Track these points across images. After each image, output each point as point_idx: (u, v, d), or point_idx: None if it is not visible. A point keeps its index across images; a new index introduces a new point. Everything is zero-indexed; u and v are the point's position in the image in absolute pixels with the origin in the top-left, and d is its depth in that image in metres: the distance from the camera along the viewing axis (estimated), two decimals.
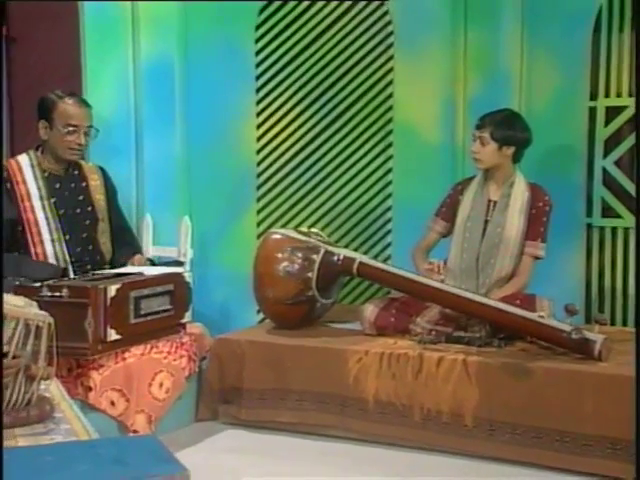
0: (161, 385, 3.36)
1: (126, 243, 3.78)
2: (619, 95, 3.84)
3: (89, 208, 3.61)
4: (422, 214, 3.83)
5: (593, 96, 3.86)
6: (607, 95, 3.85)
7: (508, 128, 3.57)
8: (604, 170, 3.86)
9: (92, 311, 3.07)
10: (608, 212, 3.87)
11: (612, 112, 3.83)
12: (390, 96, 4.16)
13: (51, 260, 3.48)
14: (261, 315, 4.11)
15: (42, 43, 4.31)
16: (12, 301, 2.42)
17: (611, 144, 3.85)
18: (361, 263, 3.64)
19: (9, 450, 1.73)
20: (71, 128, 3.49)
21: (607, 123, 3.84)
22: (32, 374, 2.22)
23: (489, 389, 3.20)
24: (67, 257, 3.50)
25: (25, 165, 3.52)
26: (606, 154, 3.85)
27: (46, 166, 3.56)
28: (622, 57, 3.81)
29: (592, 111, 3.87)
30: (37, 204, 3.49)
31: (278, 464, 3.20)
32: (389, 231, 4.23)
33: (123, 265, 3.59)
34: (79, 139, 3.51)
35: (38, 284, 3.21)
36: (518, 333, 3.42)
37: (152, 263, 3.76)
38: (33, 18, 4.33)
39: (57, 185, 3.56)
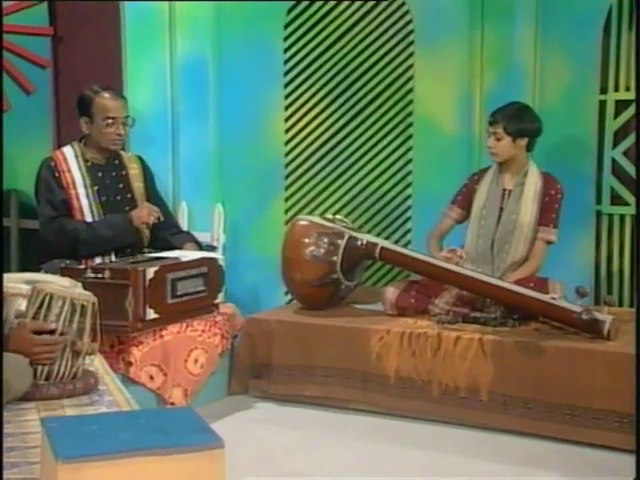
0: (196, 361, 3.37)
1: (173, 226, 3.79)
2: (628, 89, 3.77)
3: (129, 195, 3.62)
4: (440, 202, 3.81)
5: (603, 90, 3.81)
6: (617, 89, 3.79)
7: (520, 121, 3.54)
8: (613, 160, 3.81)
9: (132, 292, 3.08)
10: (617, 200, 3.83)
11: (621, 105, 3.78)
12: (410, 91, 4.13)
13: None
14: (289, 296, 4.11)
15: (86, 42, 4.31)
16: (59, 282, 2.45)
17: (620, 135, 3.79)
18: (383, 248, 3.62)
19: (58, 419, 1.75)
20: (110, 120, 3.49)
21: (616, 116, 3.79)
22: (78, 349, 2.24)
23: (503, 366, 3.18)
24: None
25: (69, 156, 3.54)
26: (615, 145, 3.80)
27: (89, 156, 3.57)
28: (631, 53, 3.74)
29: (602, 104, 3.81)
30: (81, 192, 3.51)
31: (304, 435, 3.20)
32: (409, 218, 4.20)
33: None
34: (118, 130, 3.51)
35: (82, 266, 3.23)
36: (531, 314, 3.39)
37: (200, 248, 3.76)
38: (78, 19, 4.34)
39: (99, 174, 3.57)
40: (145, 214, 3.51)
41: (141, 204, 3.57)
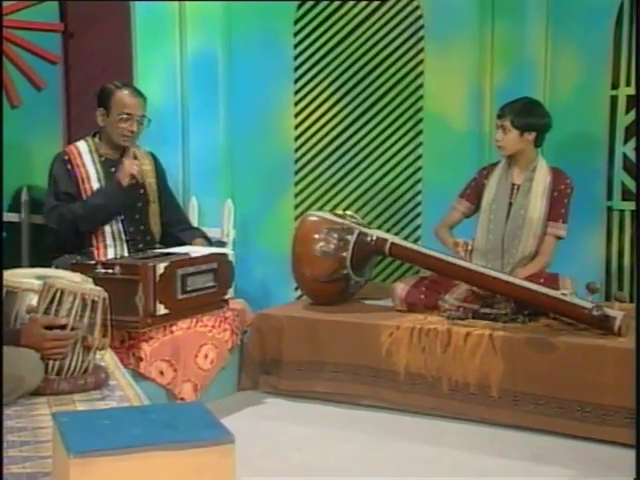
0: (206, 356, 3.38)
1: (183, 222, 3.82)
2: None
3: (141, 191, 3.63)
4: (450, 198, 3.80)
5: (615, 85, 3.79)
6: (628, 84, 3.78)
7: (527, 115, 3.53)
8: (624, 156, 3.80)
9: (142, 287, 3.09)
10: (628, 195, 3.81)
11: (633, 100, 3.75)
12: (420, 86, 4.12)
13: (108, 239, 3.52)
14: (299, 292, 4.11)
15: (96, 38, 4.34)
16: (70, 277, 2.46)
17: (631, 131, 3.77)
18: (393, 243, 3.62)
19: (69, 414, 1.76)
20: (125, 116, 3.51)
21: (628, 111, 3.77)
22: (89, 344, 2.25)
23: (514, 362, 3.18)
24: (122, 236, 3.55)
25: (84, 151, 3.56)
26: (626, 140, 3.79)
27: (102, 151, 3.59)
28: None
29: (613, 99, 3.80)
30: (96, 186, 3.53)
31: (314, 430, 3.20)
32: (419, 214, 4.19)
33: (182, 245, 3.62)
34: (132, 126, 3.53)
35: (93, 262, 3.24)
36: (542, 310, 3.39)
37: (210, 243, 3.77)
38: (88, 15, 4.35)
39: (112, 169, 3.58)
40: (127, 167, 3.49)
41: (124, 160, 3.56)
